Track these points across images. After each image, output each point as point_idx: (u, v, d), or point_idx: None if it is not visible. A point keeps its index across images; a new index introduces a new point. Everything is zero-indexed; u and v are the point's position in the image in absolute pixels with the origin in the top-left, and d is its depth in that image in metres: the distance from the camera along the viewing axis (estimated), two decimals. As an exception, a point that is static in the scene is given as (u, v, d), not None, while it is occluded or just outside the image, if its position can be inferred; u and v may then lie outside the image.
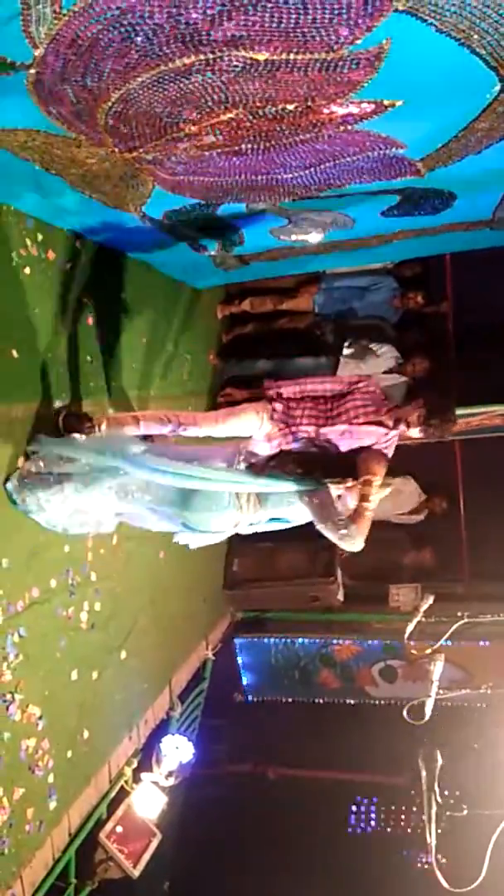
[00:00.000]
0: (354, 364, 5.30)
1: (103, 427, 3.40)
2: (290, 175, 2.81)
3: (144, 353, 4.46)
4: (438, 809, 2.14)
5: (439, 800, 2.17)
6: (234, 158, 2.69)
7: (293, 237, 3.94)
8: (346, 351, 5.33)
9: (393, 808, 6.44)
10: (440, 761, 2.25)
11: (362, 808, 6.53)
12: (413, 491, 5.53)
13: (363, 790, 6.38)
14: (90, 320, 3.78)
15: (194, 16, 1.79)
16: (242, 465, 3.15)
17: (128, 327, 4.23)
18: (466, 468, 5.64)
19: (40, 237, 3.33)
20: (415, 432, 3.35)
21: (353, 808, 6.53)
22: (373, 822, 6.51)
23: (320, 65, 1.94)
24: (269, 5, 1.73)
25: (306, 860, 6.14)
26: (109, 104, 2.25)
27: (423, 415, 3.28)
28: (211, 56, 1.95)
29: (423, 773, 2.22)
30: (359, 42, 1.85)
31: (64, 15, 1.85)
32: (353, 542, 2.97)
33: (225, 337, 5.80)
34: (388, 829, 6.44)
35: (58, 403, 3.43)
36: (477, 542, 5.65)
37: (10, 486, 2.97)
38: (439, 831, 2.16)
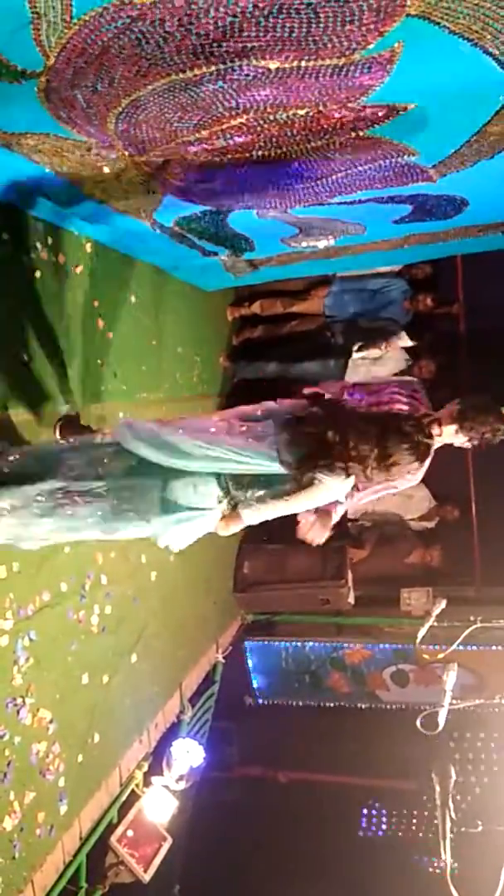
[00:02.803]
0: (365, 368, 5.29)
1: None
2: (302, 185, 2.80)
3: (155, 355, 4.46)
4: (453, 825, 2.11)
5: (454, 815, 2.14)
6: (245, 167, 2.69)
7: (303, 244, 3.93)
8: (356, 354, 5.32)
9: (405, 812, 6.40)
10: (454, 776, 2.23)
11: (374, 812, 6.50)
12: (423, 496, 5.50)
13: (374, 794, 6.34)
14: (101, 323, 3.78)
15: (206, 26, 1.78)
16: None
17: (138, 330, 4.23)
18: (478, 471, 5.60)
19: (51, 240, 3.33)
20: (450, 433, 2.74)
21: (365, 811, 6.50)
22: (384, 827, 6.47)
23: (332, 70, 1.93)
24: (282, 15, 1.72)
25: (317, 864, 6.11)
26: (119, 109, 2.25)
27: (458, 410, 2.74)
28: (222, 66, 1.95)
29: (437, 788, 2.19)
30: (371, 46, 1.84)
31: (75, 24, 1.84)
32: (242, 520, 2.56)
33: (235, 339, 5.79)
34: (400, 834, 6.40)
35: (66, 408, 3.43)
36: (489, 546, 5.61)
37: None
38: (454, 844, 2.14)
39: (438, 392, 5.36)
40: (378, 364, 5.35)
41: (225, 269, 4.34)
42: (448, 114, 2.25)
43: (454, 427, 2.73)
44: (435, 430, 2.73)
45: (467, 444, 2.80)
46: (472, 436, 2.75)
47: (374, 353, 5.33)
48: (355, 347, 5.32)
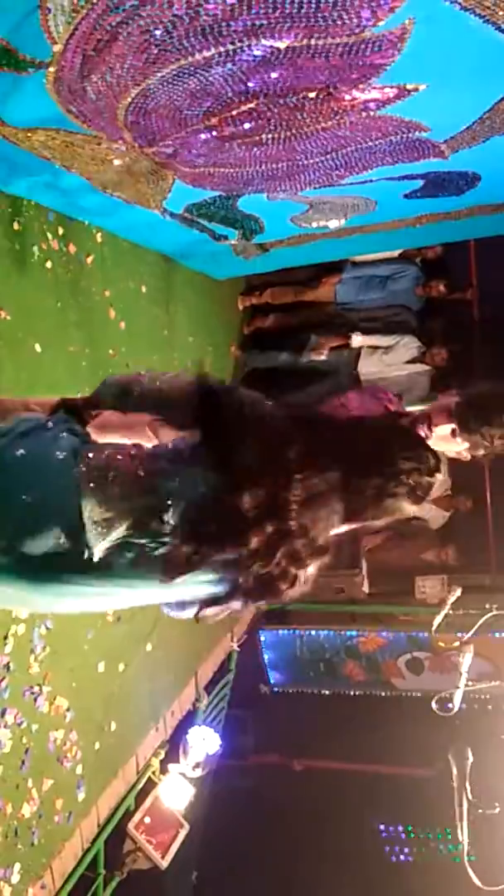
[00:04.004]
0: (377, 356, 5.26)
1: None
2: (311, 161, 2.78)
3: (166, 345, 4.46)
4: (470, 807, 2.11)
5: (470, 797, 2.14)
6: (255, 149, 2.66)
7: (314, 223, 3.89)
8: (354, 340, 5.33)
9: (420, 798, 6.41)
10: (471, 758, 2.21)
11: (389, 799, 6.50)
12: (441, 480, 5.47)
13: (390, 782, 6.34)
14: (112, 313, 3.78)
15: (213, 6, 1.76)
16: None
17: (149, 320, 4.22)
18: (494, 459, 5.55)
19: (61, 231, 3.33)
20: (444, 434, 1.96)
21: (380, 798, 6.52)
22: (400, 814, 6.48)
23: (342, 49, 1.91)
24: (290, -9, 1.70)
25: (332, 851, 6.13)
26: (129, 99, 2.24)
27: (458, 403, 1.97)
28: (231, 47, 1.92)
29: (454, 770, 2.18)
30: (381, 23, 1.81)
31: (82, 7, 1.83)
32: None
33: (246, 328, 5.77)
34: (416, 820, 6.41)
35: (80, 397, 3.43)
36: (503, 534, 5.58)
37: None
38: (471, 827, 2.14)
39: (451, 380, 5.35)
40: (390, 353, 5.32)
41: (235, 254, 4.31)
42: (460, 91, 2.22)
43: (450, 427, 1.94)
44: (421, 430, 1.91)
45: (465, 455, 2.02)
46: (475, 441, 1.98)
47: (384, 341, 5.31)
48: (354, 335, 5.31)
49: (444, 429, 1.95)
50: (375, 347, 5.35)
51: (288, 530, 1.25)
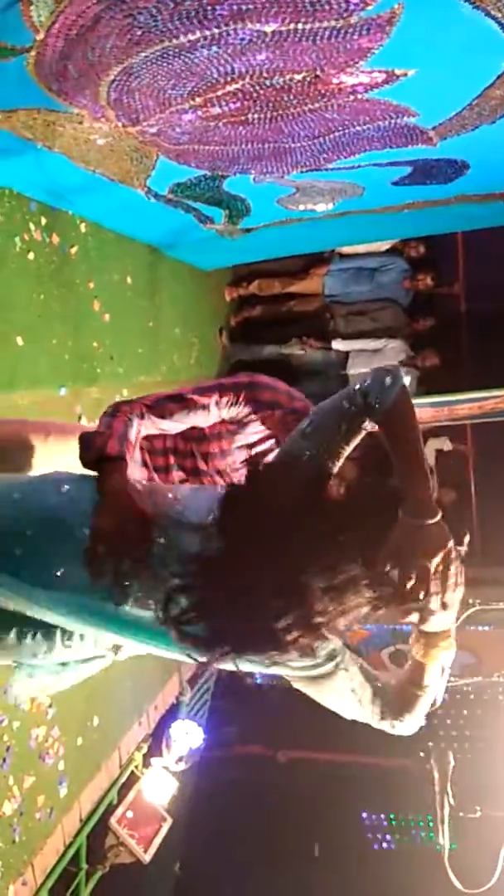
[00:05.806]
0: (365, 357, 5.25)
1: None
2: (298, 144, 2.74)
3: (152, 337, 4.41)
4: (451, 811, 2.10)
5: (452, 801, 2.13)
6: (241, 128, 2.62)
7: (301, 206, 3.82)
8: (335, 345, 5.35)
9: (403, 789, 6.44)
10: (452, 762, 2.20)
11: (372, 790, 6.54)
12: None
13: (374, 773, 6.37)
14: (97, 305, 3.72)
15: (199, -9, 1.72)
16: None
17: (134, 311, 4.17)
18: (478, 451, 5.57)
19: (44, 221, 3.26)
20: None
21: (364, 789, 6.55)
22: (383, 805, 6.52)
23: (330, 32, 1.87)
24: (277, -25, 1.66)
25: (316, 842, 6.15)
26: (111, 76, 2.19)
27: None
28: (217, 31, 1.89)
29: (436, 776, 2.17)
30: (370, 7, 1.77)
31: None
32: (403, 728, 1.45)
33: (233, 320, 5.73)
34: (399, 812, 6.44)
35: (62, 391, 3.38)
36: (488, 526, 5.59)
37: None
38: (452, 828, 2.13)
39: (441, 375, 5.35)
40: (378, 355, 5.30)
41: (220, 236, 4.23)
42: (449, 76, 2.19)
43: None
44: None
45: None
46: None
47: (373, 345, 5.32)
48: (335, 342, 5.34)
49: None
50: (364, 349, 5.34)
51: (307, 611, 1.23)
